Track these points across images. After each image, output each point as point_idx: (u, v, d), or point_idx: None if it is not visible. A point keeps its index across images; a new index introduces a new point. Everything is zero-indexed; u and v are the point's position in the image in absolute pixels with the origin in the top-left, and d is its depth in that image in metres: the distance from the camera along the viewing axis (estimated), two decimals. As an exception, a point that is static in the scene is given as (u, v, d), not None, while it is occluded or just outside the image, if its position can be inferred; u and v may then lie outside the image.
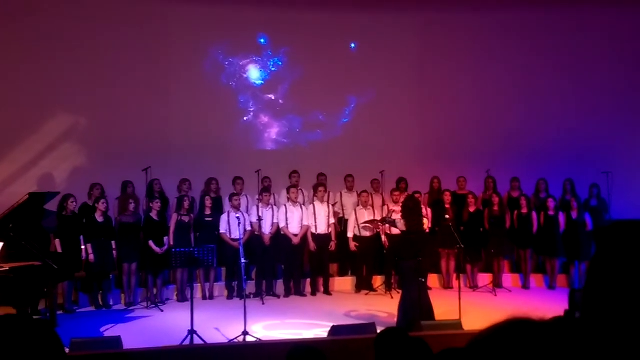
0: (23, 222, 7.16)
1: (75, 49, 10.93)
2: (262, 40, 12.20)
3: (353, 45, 12.49)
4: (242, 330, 7.12)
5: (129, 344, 6.20)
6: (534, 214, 10.73)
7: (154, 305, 9.41)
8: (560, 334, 1.10)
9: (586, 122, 12.08)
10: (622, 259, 1.30)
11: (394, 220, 8.04)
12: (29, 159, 10.84)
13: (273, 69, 12.26)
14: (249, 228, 10.08)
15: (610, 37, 12.17)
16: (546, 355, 1.07)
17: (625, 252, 1.31)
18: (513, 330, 1.13)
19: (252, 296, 9.74)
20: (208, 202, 10.21)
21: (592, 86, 12.16)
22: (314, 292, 10.41)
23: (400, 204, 8.38)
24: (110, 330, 8.03)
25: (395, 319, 7.73)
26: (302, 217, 10.34)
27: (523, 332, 1.12)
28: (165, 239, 9.71)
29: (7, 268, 6.73)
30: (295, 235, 10.28)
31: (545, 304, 8.94)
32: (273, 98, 12.24)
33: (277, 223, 10.31)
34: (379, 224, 10.33)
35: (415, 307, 7.40)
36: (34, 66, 10.73)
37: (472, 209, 10.73)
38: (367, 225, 10.38)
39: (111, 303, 9.61)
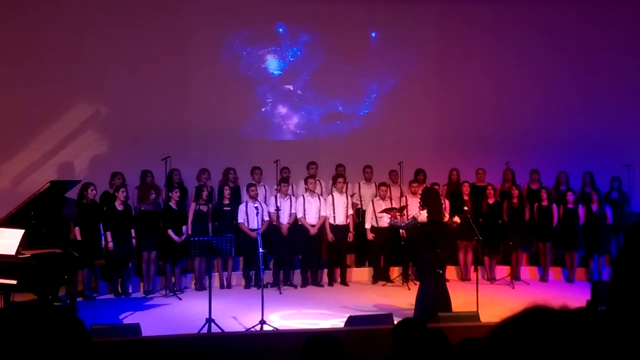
0: (44, 210, 7.24)
1: (96, 38, 10.98)
2: (281, 30, 12.12)
3: (373, 34, 12.38)
4: (260, 319, 7.14)
5: (147, 331, 6.27)
6: (554, 207, 10.65)
7: (172, 294, 9.48)
8: (585, 324, 1.08)
9: (607, 115, 11.93)
10: None
11: (415, 218, 7.91)
12: (50, 148, 10.93)
13: (291, 59, 12.15)
14: (266, 218, 10.09)
15: (630, 29, 12.00)
16: (571, 345, 1.06)
17: None
18: (536, 318, 1.12)
19: (269, 286, 9.77)
20: (226, 192, 10.24)
21: (613, 78, 12.00)
22: (331, 283, 10.43)
23: (419, 195, 8.32)
24: (129, 318, 8.11)
25: (412, 311, 7.72)
26: (319, 208, 10.35)
27: (547, 321, 1.10)
28: (184, 228, 9.77)
29: (29, 255, 6.81)
30: (313, 226, 10.29)
31: (563, 297, 8.87)
32: (291, 89, 12.17)
33: (295, 213, 10.33)
34: (397, 213, 10.28)
35: (433, 298, 7.39)
36: (55, 55, 10.80)
37: (491, 201, 10.67)
38: (384, 214, 10.34)
39: (130, 291, 9.70)
